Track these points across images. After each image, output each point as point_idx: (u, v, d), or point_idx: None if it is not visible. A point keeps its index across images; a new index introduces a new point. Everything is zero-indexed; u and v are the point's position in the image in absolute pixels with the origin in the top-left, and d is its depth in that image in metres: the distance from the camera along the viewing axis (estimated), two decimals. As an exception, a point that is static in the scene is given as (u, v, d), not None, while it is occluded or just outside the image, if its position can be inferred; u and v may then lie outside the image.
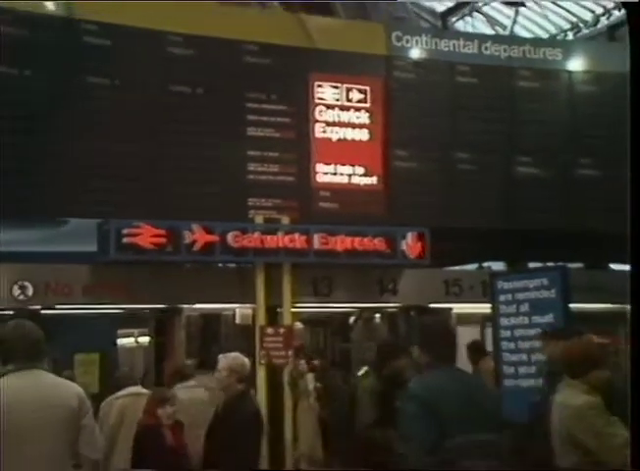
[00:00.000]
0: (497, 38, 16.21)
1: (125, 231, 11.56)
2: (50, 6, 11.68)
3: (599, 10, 20.10)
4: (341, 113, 13.12)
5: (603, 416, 5.20)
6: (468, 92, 13.83)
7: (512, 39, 16.40)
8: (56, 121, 11.28)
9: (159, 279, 12.12)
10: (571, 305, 9.04)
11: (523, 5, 17.31)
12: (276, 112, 12.72)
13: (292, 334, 12.09)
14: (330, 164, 12.97)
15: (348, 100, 13.17)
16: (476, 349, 11.23)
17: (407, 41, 13.79)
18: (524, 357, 9.05)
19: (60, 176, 11.25)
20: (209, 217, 12.01)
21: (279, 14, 15.31)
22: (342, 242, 12.64)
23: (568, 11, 20.60)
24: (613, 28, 18.63)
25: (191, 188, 11.91)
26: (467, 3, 20.25)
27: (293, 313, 12.57)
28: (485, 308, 11.21)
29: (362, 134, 13.23)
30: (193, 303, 12.97)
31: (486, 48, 14.25)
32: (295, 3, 16.03)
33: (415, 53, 13.80)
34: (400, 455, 4.98)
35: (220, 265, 13.20)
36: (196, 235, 11.87)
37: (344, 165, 13.04)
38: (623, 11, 19.51)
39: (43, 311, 11.53)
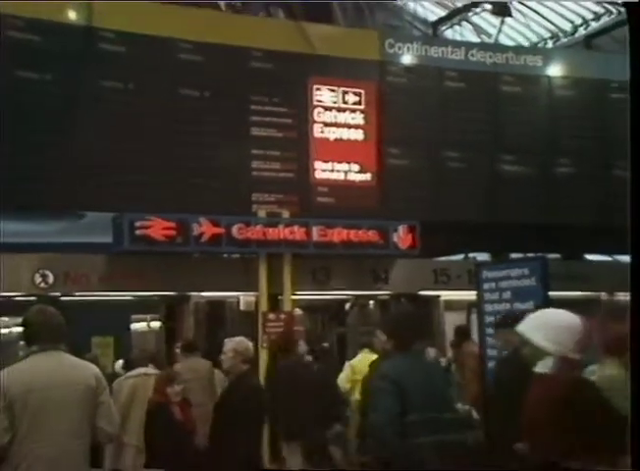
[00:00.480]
0: (482, 46, 16.18)
1: (137, 223, 11.58)
2: (70, 15, 11.69)
3: (577, 20, 20.18)
4: (337, 114, 13.13)
5: None
6: (456, 96, 13.84)
7: (497, 47, 16.38)
8: (74, 122, 11.30)
9: (169, 268, 12.13)
10: (550, 293, 9.06)
11: (509, 16, 17.29)
12: (278, 113, 12.73)
13: (292, 319, 12.14)
14: (327, 161, 12.98)
15: (345, 102, 13.18)
16: (462, 333, 11.32)
17: (400, 48, 13.80)
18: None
19: (78, 173, 11.27)
20: (216, 211, 12.03)
21: (282, 22, 15.29)
22: (338, 234, 12.68)
23: (549, 21, 20.65)
24: (589, 38, 18.67)
25: (199, 184, 11.94)
26: (457, 13, 20.23)
27: (294, 300, 12.63)
28: (471, 295, 11.22)
29: (357, 134, 13.24)
30: (201, 291, 13.00)
31: (472, 55, 14.26)
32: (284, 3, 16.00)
33: (407, 59, 13.80)
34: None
35: (225, 255, 13.20)
36: (204, 228, 11.90)
37: (340, 162, 13.05)
38: (602, 21, 19.66)
39: (63, 298, 11.56)
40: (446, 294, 14.06)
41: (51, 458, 4.75)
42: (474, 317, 11.72)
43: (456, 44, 15.10)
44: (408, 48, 13.88)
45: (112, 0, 11.93)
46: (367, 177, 13.20)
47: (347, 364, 10.80)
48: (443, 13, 20.73)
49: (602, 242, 15.68)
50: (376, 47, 13.60)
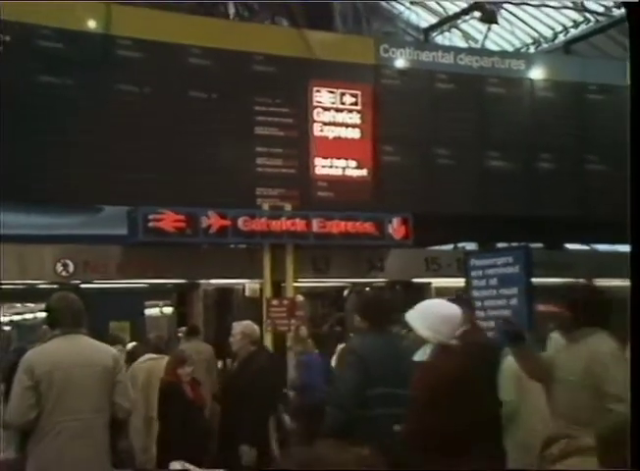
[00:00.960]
0: (470, 51, 16.19)
1: (150, 216, 11.63)
2: (90, 24, 11.72)
3: (558, 28, 20.24)
4: (336, 114, 13.13)
5: None
6: (446, 97, 13.84)
7: (483, 52, 16.38)
8: (93, 122, 11.32)
9: (180, 258, 12.14)
10: (533, 279, 9.08)
11: (495, 23, 17.29)
12: (280, 113, 12.74)
13: (294, 305, 12.17)
14: (326, 158, 13.00)
15: (343, 103, 13.18)
16: None
17: (393, 53, 13.82)
18: (492, 324, 9.04)
19: (96, 170, 11.29)
20: (223, 204, 12.05)
21: (285, 29, 15.27)
22: (337, 226, 12.70)
23: (531, 28, 20.71)
24: (568, 43, 18.71)
25: (207, 180, 11.94)
26: (447, 20, 20.25)
27: (295, 287, 12.65)
28: (459, 282, 11.23)
29: (354, 133, 13.25)
30: (209, 279, 13.02)
31: (461, 59, 14.28)
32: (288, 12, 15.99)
33: (400, 63, 13.81)
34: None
35: (232, 246, 13.22)
36: (212, 220, 11.92)
37: (338, 159, 13.07)
38: (580, 28, 19.66)
39: (83, 285, 11.59)
40: (437, 281, 14.07)
41: (74, 430, 4.81)
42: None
43: (446, 49, 15.11)
44: (402, 53, 13.91)
45: None
46: (363, 172, 13.22)
47: (340, 347, 10.80)
48: (434, 20, 20.74)
49: (580, 233, 15.75)
50: (372, 52, 13.61)
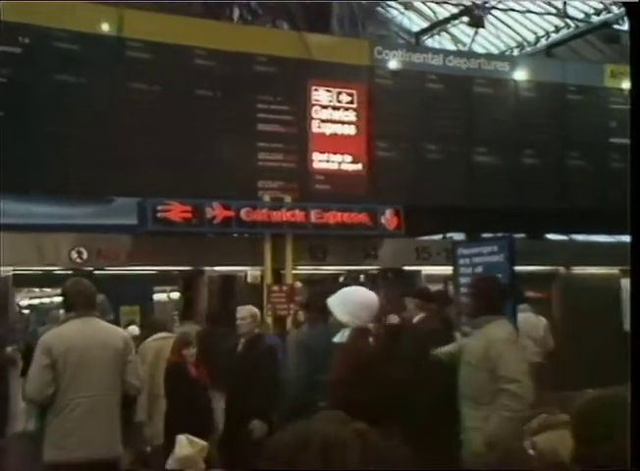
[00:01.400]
0: (458, 53, 16.16)
1: (159, 207, 11.60)
2: (104, 27, 11.71)
3: (540, 32, 20.34)
4: (333, 112, 13.10)
5: None
6: (436, 96, 13.83)
7: (471, 54, 16.35)
8: (105, 119, 11.31)
9: (186, 246, 12.12)
10: (516, 267, 9.10)
11: (482, 27, 17.31)
12: (280, 111, 12.71)
13: (293, 291, 12.18)
14: (324, 153, 12.98)
15: (339, 101, 13.15)
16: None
17: (387, 54, 13.79)
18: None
19: (108, 163, 11.29)
20: (226, 196, 12.04)
21: (285, 32, 15.24)
22: (333, 217, 12.68)
23: (516, 32, 20.79)
24: (550, 47, 18.78)
25: (212, 173, 11.95)
26: (437, 24, 20.27)
27: (294, 274, 12.65)
28: (448, 270, 11.24)
29: (350, 130, 13.22)
30: (214, 266, 13.00)
31: (450, 61, 14.26)
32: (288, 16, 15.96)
33: (393, 64, 13.77)
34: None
35: (235, 235, 13.20)
36: (216, 211, 11.90)
37: (335, 154, 13.05)
38: (561, 33, 19.69)
39: (95, 272, 11.58)
40: (426, 269, 14.07)
41: (88, 406, 4.85)
42: (450, 288, 11.80)
43: (436, 52, 15.12)
44: (394, 55, 13.88)
45: None
46: (359, 167, 13.21)
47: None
48: (425, 24, 20.76)
49: (560, 224, 15.78)
50: (366, 54, 13.60)
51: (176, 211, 11.68)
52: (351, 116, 13.24)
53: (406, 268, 14.03)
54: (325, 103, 13.06)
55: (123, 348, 5.07)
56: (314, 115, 12.97)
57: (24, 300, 15.83)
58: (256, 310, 7.55)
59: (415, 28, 20.82)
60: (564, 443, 2.98)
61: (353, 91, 13.24)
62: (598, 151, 14.81)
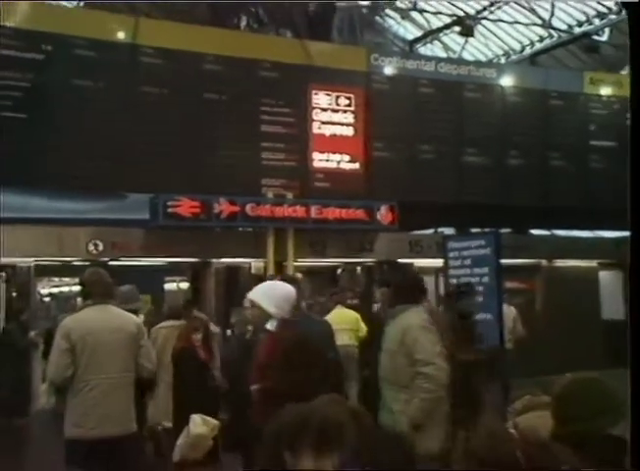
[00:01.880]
0: (449, 60, 16.21)
1: (169, 203, 11.61)
2: (119, 35, 11.72)
3: (525, 41, 20.45)
4: (332, 114, 13.10)
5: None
6: (428, 100, 13.82)
7: (461, 61, 16.37)
8: (120, 121, 11.31)
9: (195, 239, 12.13)
10: (501, 260, 9.12)
11: (472, 36, 17.32)
12: (283, 113, 12.70)
13: (294, 282, 12.17)
14: (323, 153, 12.98)
15: (338, 105, 13.15)
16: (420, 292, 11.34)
17: (383, 61, 13.78)
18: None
19: (123, 162, 11.29)
20: (233, 193, 12.04)
21: (288, 39, 15.23)
22: (332, 213, 12.69)
23: (502, 41, 20.85)
24: (534, 56, 18.86)
25: (219, 171, 11.94)
26: (430, 33, 20.29)
27: (295, 266, 12.65)
28: (439, 262, 11.29)
29: (348, 131, 13.22)
30: (220, 258, 13.01)
31: (441, 67, 14.26)
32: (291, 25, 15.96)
33: (389, 70, 13.76)
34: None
35: (240, 229, 13.20)
36: (223, 207, 11.91)
37: (334, 154, 13.05)
38: (544, 43, 19.76)
39: (111, 262, 11.59)
40: (419, 261, 14.09)
41: (104, 388, 4.87)
42: (441, 279, 11.83)
43: (429, 59, 15.14)
44: (390, 61, 13.88)
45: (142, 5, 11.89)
46: (356, 166, 13.21)
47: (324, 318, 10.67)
48: (418, 33, 20.78)
49: (543, 220, 15.82)
50: (364, 60, 13.59)
51: (185, 206, 11.69)
52: (349, 118, 13.23)
53: (400, 260, 14.05)
54: (325, 106, 13.05)
55: (136, 333, 5.09)
56: (314, 117, 12.96)
57: (45, 289, 15.84)
58: None
59: (409, 37, 20.84)
60: (545, 422, 3.00)
61: (351, 95, 13.23)
62: (578, 153, 14.84)
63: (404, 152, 13.51)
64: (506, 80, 14.73)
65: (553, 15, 19.29)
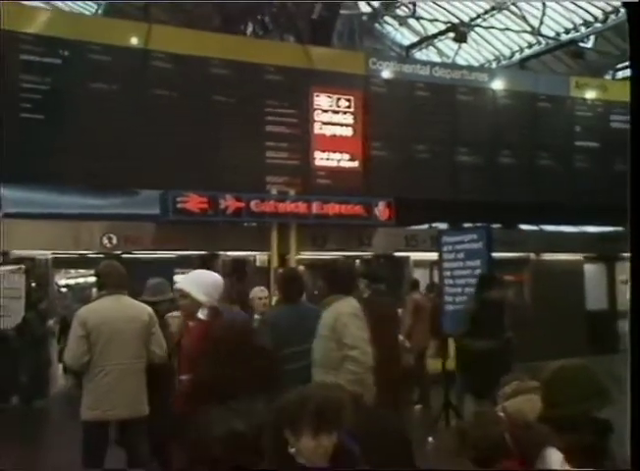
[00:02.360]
0: (443, 65, 16.18)
1: (179, 199, 11.64)
2: (132, 41, 11.73)
3: (515, 47, 20.48)
4: (332, 115, 13.09)
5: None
6: (423, 102, 13.82)
7: (454, 66, 16.39)
8: (134, 122, 11.31)
9: (202, 233, 12.16)
10: (493, 254, 9.11)
11: (465, 42, 17.32)
12: (286, 114, 12.70)
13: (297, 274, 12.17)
14: (324, 152, 12.98)
15: (338, 106, 13.14)
16: (411, 284, 11.40)
17: (380, 65, 13.78)
18: (459, 290, 9.09)
19: (135, 160, 11.30)
20: (238, 189, 12.05)
21: (291, 45, 15.20)
22: (332, 208, 12.71)
23: (493, 47, 20.85)
24: (523, 61, 18.88)
25: (226, 169, 11.94)
26: (425, 39, 20.28)
27: (298, 259, 12.68)
28: (433, 256, 11.26)
29: (348, 131, 13.21)
30: (227, 251, 13.02)
31: (436, 71, 14.26)
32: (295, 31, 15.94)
33: (386, 74, 13.75)
34: None
35: (245, 224, 13.21)
36: (229, 203, 11.93)
37: (334, 153, 13.05)
38: (532, 49, 19.78)
39: (123, 255, 11.61)
40: (414, 255, 14.11)
41: (118, 373, 4.89)
42: (435, 272, 11.82)
43: (424, 63, 15.11)
44: (387, 66, 13.87)
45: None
46: (355, 164, 13.21)
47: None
48: (414, 39, 20.76)
49: (531, 216, 15.82)
50: (362, 64, 13.58)
51: (193, 202, 11.72)
52: (349, 119, 13.23)
53: (396, 254, 14.07)
54: (325, 108, 13.05)
55: (148, 321, 5.10)
56: (316, 118, 12.96)
57: (62, 280, 15.83)
58: (266, 291, 7.63)
59: (406, 43, 20.84)
60: (531, 405, 3.03)
61: (351, 97, 13.23)
62: (564, 152, 14.84)
63: (401, 151, 13.51)
64: (497, 84, 14.73)
65: (542, 23, 19.33)
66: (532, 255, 15.21)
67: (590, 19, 19.03)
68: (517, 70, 17.94)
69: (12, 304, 10.29)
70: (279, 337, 4.97)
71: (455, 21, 19.12)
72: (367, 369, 4.66)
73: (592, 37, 18.95)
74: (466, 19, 20.10)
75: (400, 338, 8.32)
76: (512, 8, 19.45)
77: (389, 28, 22.10)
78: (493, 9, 19.75)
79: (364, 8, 20.14)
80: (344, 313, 4.80)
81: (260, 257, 13.06)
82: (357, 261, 14.57)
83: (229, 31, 14.66)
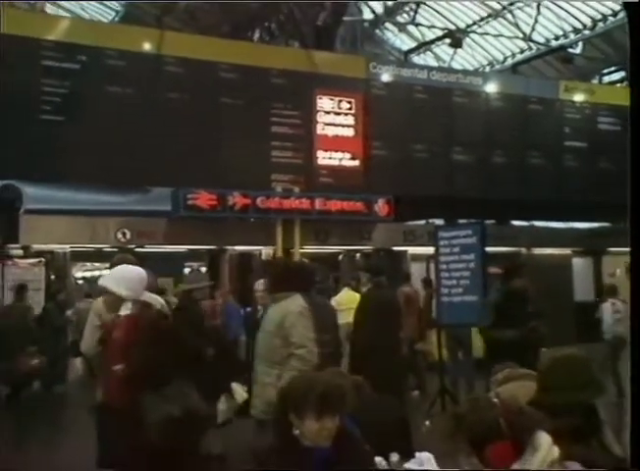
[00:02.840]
0: (440, 69, 16.15)
1: (189, 196, 11.68)
2: (145, 46, 11.73)
3: (507, 53, 20.49)
4: (335, 117, 13.08)
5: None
6: (421, 104, 13.81)
7: (450, 70, 16.35)
8: (147, 124, 11.31)
9: (211, 229, 12.16)
10: (486, 248, 9.10)
11: (460, 47, 17.32)
12: (291, 116, 12.69)
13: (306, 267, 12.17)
14: (327, 151, 12.97)
15: (340, 108, 13.13)
16: (404, 277, 11.41)
17: (380, 69, 13.76)
18: (455, 282, 9.08)
19: (147, 159, 11.31)
20: (245, 187, 12.07)
21: (295, 50, 15.19)
22: (334, 205, 12.72)
23: (487, 52, 20.84)
24: (515, 65, 18.87)
25: (234, 168, 11.93)
26: (423, 44, 20.27)
27: (301, 253, 12.68)
28: (430, 250, 11.25)
29: (349, 131, 13.21)
30: (234, 245, 13.05)
31: (433, 75, 14.24)
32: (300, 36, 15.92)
33: (386, 77, 13.74)
34: None
35: (252, 220, 13.21)
36: (236, 199, 11.95)
37: (336, 152, 13.04)
38: (524, 54, 19.78)
39: (137, 249, 11.64)
40: (412, 249, 14.12)
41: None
42: (432, 266, 11.82)
43: (422, 67, 15.18)
44: (387, 69, 13.86)
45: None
46: (356, 163, 13.21)
47: (333, 299, 10.59)
48: (413, 44, 20.75)
49: (523, 212, 15.82)
50: (363, 68, 13.56)
51: (203, 199, 11.74)
52: (350, 120, 13.22)
53: (395, 248, 14.08)
54: (328, 109, 13.04)
55: (159, 311, 5.10)
56: (319, 119, 12.95)
57: (78, 273, 15.89)
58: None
59: (405, 48, 20.82)
60: (523, 391, 3.03)
61: (352, 100, 13.21)
62: (554, 152, 14.83)
63: (400, 151, 13.50)
64: (491, 87, 14.71)
65: (533, 30, 19.33)
66: (523, 250, 15.21)
67: (579, 26, 19.10)
68: (510, 74, 17.94)
69: (33, 296, 10.39)
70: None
71: (452, 27, 19.11)
72: (312, 367, 4.47)
73: (580, 44, 18.96)
74: (462, 25, 20.09)
75: None
76: (507, 15, 19.47)
77: (389, 34, 22.08)
78: (489, 16, 19.75)
79: (367, 15, 20.12)
80: (292, 312, 4.63)
81: (266, 251, 13.08)
82: (358, 255, 14.63)
83: (237, 38, 14.65)
